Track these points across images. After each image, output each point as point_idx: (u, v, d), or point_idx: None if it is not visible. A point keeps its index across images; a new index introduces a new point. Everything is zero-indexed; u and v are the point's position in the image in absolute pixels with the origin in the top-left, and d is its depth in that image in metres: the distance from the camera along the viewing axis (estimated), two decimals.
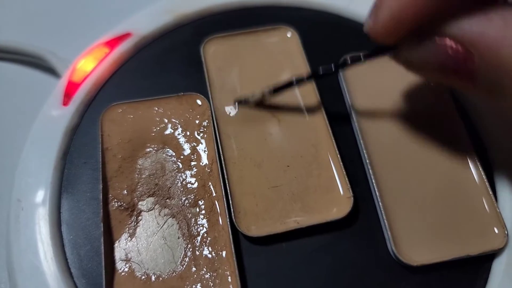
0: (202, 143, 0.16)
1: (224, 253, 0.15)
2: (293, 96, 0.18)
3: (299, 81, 0.16)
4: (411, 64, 0.14)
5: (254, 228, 0.15)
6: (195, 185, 0.16)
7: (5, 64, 0.23)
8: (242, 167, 0.16)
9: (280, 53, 0.19)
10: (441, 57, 0.13)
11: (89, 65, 0.18)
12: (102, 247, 0.14)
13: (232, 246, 0.14)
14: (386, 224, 0.14)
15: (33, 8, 0.25)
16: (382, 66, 0.18)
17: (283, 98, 0.18)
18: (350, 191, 0.15)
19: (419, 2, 0.13)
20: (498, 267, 0.15)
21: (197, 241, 0.15)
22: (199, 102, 0.17)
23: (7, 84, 0.22)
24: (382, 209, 0.15)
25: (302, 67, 0.18)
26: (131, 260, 0.15)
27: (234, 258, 0.14)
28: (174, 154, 0.16)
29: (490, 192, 0.15)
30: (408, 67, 0.14)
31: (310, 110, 0.17)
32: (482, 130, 0.17)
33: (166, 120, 0.17)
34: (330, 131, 0.16)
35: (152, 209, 0.15)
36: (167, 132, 0.17)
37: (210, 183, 0.16)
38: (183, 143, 0.17)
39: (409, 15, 0.13)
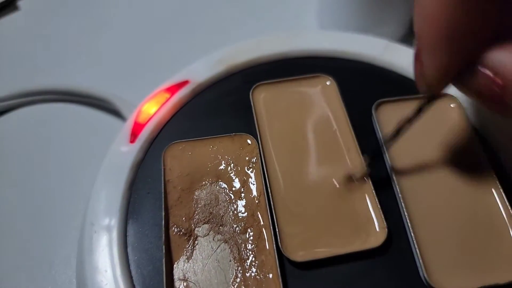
0: (251, 177, 0.19)
1: (270, 275, 0.16)
2: (331, 133, 0.20)
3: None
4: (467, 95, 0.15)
5: (298, 254, 0.16)
6: (245, 214, 0.18)
7: (77, 106, 0.26)
8: (287, 198, 0.18)
9: (320, 99, 0.21)
10: (482, 86, 0.14)
11: (152, 108, 0.21)
12: (163, 267, 0.16)
13: (278, 269, 0.16)
14: (418, 252, 0.16)
15: (102, 57, 0.29)
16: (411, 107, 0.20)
17: (323, 138, 0.20)
18: (384, 221, 0.17)
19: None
20: None
21: (247, 264, 0.17)
22: (249, 141, 0.19)
23: (78, 123, 0.25)
24: (414, 238, 0.16)
25: (340, 113, 0.20)
26: (188, 280, 0.17)
27: (280, 280, 0.16)
28: (226, 186, 0.18)
29: None
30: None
31: (348, 147, 0.19)
32: (505, 161, 0.19)
33: (219, 157, 0.19)
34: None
35: (207, 235, 0.17)
36: (221, 167, 0.19)
37: (258, 213, 0.18)
38: (234, 177, 0.19)
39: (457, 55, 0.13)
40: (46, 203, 0.24)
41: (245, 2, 0.32)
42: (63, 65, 0.29)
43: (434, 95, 0.16)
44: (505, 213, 0.17)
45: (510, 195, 0.18)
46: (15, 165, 0.25)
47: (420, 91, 0.15)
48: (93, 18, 0.32)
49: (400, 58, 0.23)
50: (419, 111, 0.16)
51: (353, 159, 0.19)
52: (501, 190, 0.18)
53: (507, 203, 0.17)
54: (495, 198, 0.18)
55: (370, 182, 0.18)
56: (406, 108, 0.21)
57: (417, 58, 0.14)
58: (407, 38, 0.29)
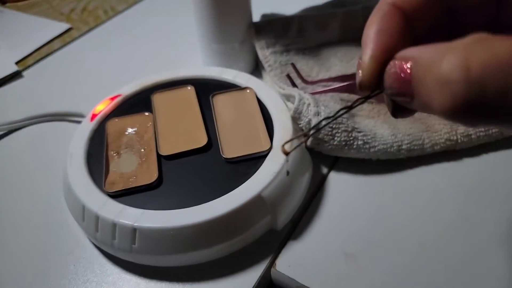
0: (149, 128, 0.39)
1: (153, 163, 0.36)
2: (191, 110, 0.41)
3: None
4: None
5: (164, 151, 0.36)
6: (144, 143, 0.38)
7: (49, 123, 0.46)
8: (166, 136, 0.38)
9: (186, 97, 0.42)
10: (390, 74, 0.18)
11: (102, 106, 0.41)
12: (104, 166, 0.36)
13: (156, 160, 0.36)
14: (220, 145, 0.36)
15: (72, 96, 0.50)
16: (232, 96, 0.42)
17: (187, 113, 0.41)
18: (206, 134, 0.37)
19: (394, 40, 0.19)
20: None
21: (144, 159, 0.36)
22: (146, 113, 0.40)
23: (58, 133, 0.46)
24: (219, 140, 0.36)
25: (194, 100, 0.41)
26: (116, 170, 0.36)
27: (156, 164, 0.35)
28: (136, 133, 0.39)
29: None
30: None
31: (197, 115, 0.40)
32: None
33: (135, 122, 0.40)
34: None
35: (126, 152, 0.37)
36: (136, 126, 0.39)
37: (150, 142, 0.38)
38: (141, 129, 0.39)
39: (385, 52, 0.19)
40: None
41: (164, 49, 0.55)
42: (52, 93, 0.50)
43: (368, 95, 0.21)
44: (259, 125, 0.38)
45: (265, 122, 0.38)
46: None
47: (361, 90, 0.20)
48: (68, 77, 0.53)
49: (237, 79, 0.44)
50: (353, 105, 0.22)
51: (199, 123, 0.39)
52: (261, 118, 0.38)
53: (263, 121, 0.38)
54: (256, 120, 0.38)
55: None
56: (229, 97, 0.42)
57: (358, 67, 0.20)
58: (253, 72, 0.51)
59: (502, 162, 0.38)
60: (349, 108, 0.23)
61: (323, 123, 0.32)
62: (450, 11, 0.22)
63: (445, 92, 0.15)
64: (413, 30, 0.21)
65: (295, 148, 0.27)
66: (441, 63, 0.16)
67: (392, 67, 0.18)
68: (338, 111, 0.23)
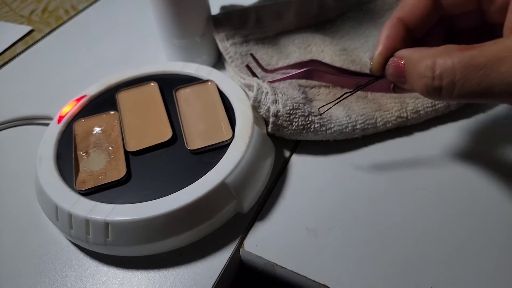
0: (115, 127, 0.40)
1: (120, 160, 0.38)
2: (156, 105, 0.42)
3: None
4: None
5: (131, 147, 0.38)
6: (111, 140, 0.39)
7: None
8: (131, 133, 0.40)
9: (150, 94, 0.43)
10: (390, 67, 0.28)
11: (69, 108, 0.43)
12: (73, 166, 0.37)
13: (123, 154, 0.37)
14: (185, 138, 0.38)
15: (33, 100, 0.50)
16: (195, 90, 0.43)
17: (152, 108, 0.42)
18: (170, 128, 0.39)
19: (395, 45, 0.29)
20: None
21: (112, 156, 0.38)
22: (112, 112, 0.41)
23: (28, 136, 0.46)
24: (183, 132, 0.38)
25: (158, 97, 0.43)
26: (85, 169, 0.37)
27: (124, 160, 0.37)
28: (103, 131, 0.40)
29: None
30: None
31: (162, 113, 0.42)
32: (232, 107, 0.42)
33: (102, 121, 0.41)
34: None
35: (94, 151, 0.39)
36: (103, 125, 0.41)
37: (117, 139, 0.39)
38: (108, 127, 0.40)
39: (389, 53, 0.28)
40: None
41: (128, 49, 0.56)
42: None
43: (376, 76, 0.30)
44: (221, 115, 0.39)
45: (228, 113, 0.40)
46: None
47: (373, 73, 0.30)
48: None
49: (199, 72, 0.45)
50: (367, 84, 0.32)
51: (164, 118, 0.41)
52: (223, 109, 0.40)
53: (224, 112, 0.40)
54: (218, 111, 0.40)
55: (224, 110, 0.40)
56: (191, 90, 0.43)
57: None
58: (216, 63, 0.53)
59: (449, 133, 0.41)
60: (353, 91, 0.33)
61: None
62: (445, 19, 0.31)
63: (422, 82, 0.25)
64: (413, 35, 0.30)
65: (328, 108, 0.37)
66: (421, 63, 0.25)
67: (392, 62, 0.28)
68: (344, 94, 0.33)
